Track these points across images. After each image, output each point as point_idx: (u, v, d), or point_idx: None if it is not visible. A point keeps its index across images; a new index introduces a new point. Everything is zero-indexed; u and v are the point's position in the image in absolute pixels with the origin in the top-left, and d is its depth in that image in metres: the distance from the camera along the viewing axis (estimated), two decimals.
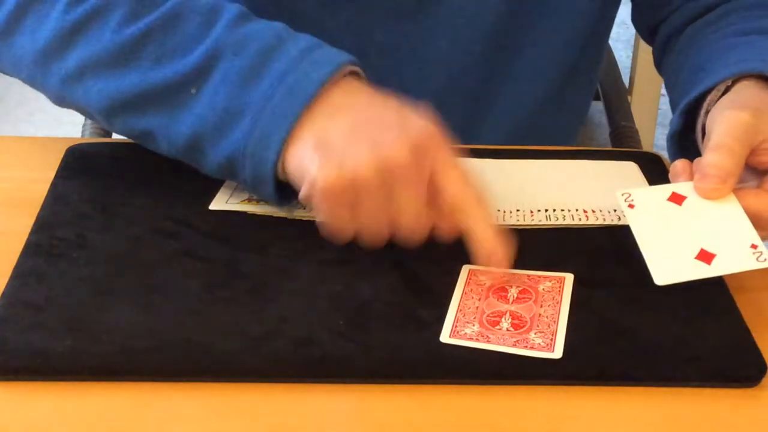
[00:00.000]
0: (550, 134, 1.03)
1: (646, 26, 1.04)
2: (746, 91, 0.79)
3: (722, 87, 0.80)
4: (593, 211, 0.79)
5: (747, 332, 0.68)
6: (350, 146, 0.69)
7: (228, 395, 0.63)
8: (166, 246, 0.73)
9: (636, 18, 1.05)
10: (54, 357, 0.64)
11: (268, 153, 0.71)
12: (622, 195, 0.72)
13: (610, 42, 1.42)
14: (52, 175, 0.81)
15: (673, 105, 0.93)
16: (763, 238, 0.72)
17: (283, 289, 0.70)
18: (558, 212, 0.79)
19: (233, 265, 0.72)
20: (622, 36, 2.81)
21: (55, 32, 0.76)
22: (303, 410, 0.63)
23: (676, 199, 0.72)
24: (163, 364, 0.64)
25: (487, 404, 0.63)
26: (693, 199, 0.72)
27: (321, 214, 0.71)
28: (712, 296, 0.71)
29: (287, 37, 0.75)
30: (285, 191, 0.74)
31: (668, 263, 0.69)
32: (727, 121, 0.73)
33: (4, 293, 0.68)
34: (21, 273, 0.70)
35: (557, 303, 0.69)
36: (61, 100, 0.80)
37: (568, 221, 0.78)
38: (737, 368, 0.66)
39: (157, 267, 0.71)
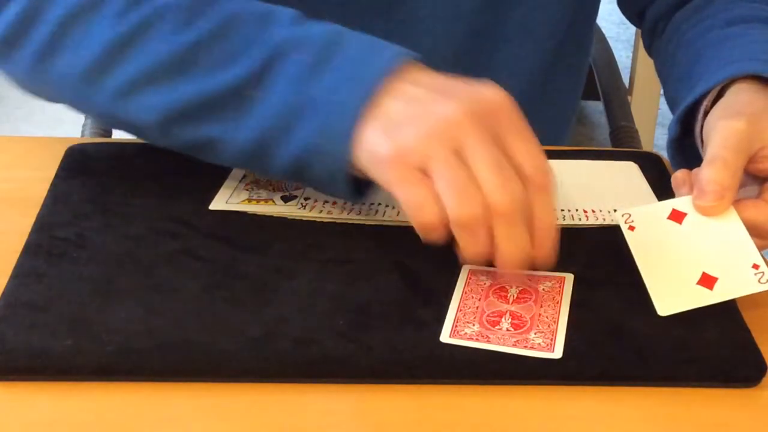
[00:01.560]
0: (536, 128, 1.02)
1: (630, 11, 1.03)
2: (741, 95, 0.78)
3: (716, 90, 0.80)
4: (593, 211, 0.79)
5: (747, 332, 0.68)
6: (413, 118, 0.67)
7: (228, 395, 0.63)
8: (166, 246, 0.73)
9: (621, 3, 1.04)
10: (54, 357, 0.64)
11: (337, 146, 0.69)
12: (623, 216, 0.72)
13: (610, 42, 1.42)
14: (52, 175, 0.81)
15: (668, 98, 0.93)
16: (764, 247, 0.72)
17: (283, 289, 0.70)
18: (558, 212, 0.79)
19: (233, 265, 0.72)
20: (622, 36, 2.81)
21: (103, 47, 0.73)
22: (303, 410, 0.62)
23: (677, 216, 0.71)
24: (163, 364, 0.64)
25: (487, 404, 0.63)
26: (693, 217, 0.71)
27: (400, 199, 0.67)
28: None
29: (346, 33, 0.73)
30: (357, 186, 0.72)
31: (671, 292, 0.69)
32: (721, 132, 0.72)
33: (4, 293, 0.68)
34: (21, 273, 0.70)
35: (557, 303, 0.69)
36: (110, 117, 0.78)
37: (568, 221, 0.78)
38: (737, 368, 0.66)
39: (157, 267, 0.71)
